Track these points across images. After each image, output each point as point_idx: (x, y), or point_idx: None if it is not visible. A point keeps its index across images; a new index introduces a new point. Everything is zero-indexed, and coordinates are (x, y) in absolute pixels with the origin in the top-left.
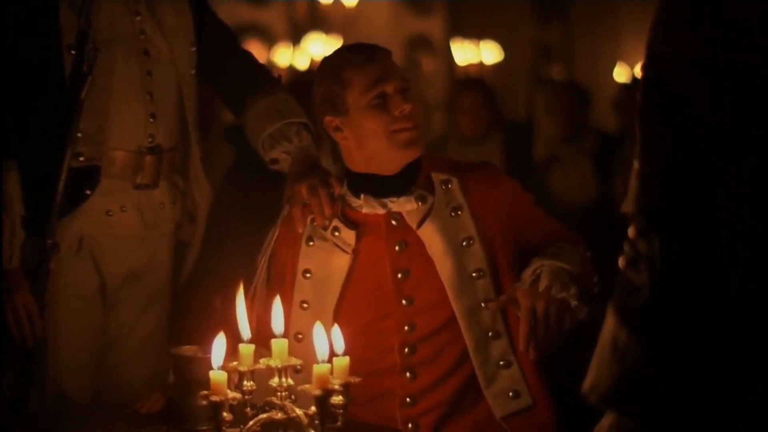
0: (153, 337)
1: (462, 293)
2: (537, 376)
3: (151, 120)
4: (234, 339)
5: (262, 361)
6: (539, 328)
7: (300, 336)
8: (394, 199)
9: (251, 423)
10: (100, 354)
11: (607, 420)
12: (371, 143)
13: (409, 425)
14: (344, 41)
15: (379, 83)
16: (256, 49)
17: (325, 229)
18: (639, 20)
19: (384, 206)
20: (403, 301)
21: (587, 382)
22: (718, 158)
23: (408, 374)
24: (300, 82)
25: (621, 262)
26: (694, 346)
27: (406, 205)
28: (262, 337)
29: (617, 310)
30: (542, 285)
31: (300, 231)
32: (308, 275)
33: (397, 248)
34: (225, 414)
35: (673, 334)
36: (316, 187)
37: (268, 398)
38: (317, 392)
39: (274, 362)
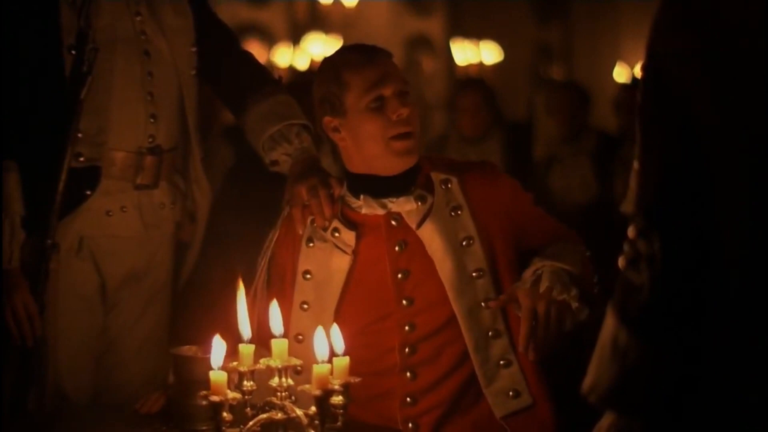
0: (153, 337)
1: (462, 293)
2: (537, 376)
3: (152, 120)
4: (234, 339)
5: (262, 361)
6: (539, 329)
7: (300, 337)
8: (394, 200)
9: (251, 423)
10: (100, 354)
11: (606, 420)
12: (368, 146)
13: (410, 425)
14: (344, 41)
15: (377, 86)
16: (256, 49)
17: (325, 230)
18: (639, 20)
19: (383, 207)
20: (404, 302)
21: (587, 382)
22: (718, 158)
23: (408, 374)
24: (300, 82)
25: (621, 262)
26: (694, 345)
27: (405, 205)
28: (263, 338)
29: (617, 310)
30: (543, 286)
31: (300, 232)
32: (308, 276)
33: (396, 248)
34: (225, 414)
35: (673, 334)
36: (315, 188)
37: (268, 398)
38: (317, 392)
39: (274, 362)
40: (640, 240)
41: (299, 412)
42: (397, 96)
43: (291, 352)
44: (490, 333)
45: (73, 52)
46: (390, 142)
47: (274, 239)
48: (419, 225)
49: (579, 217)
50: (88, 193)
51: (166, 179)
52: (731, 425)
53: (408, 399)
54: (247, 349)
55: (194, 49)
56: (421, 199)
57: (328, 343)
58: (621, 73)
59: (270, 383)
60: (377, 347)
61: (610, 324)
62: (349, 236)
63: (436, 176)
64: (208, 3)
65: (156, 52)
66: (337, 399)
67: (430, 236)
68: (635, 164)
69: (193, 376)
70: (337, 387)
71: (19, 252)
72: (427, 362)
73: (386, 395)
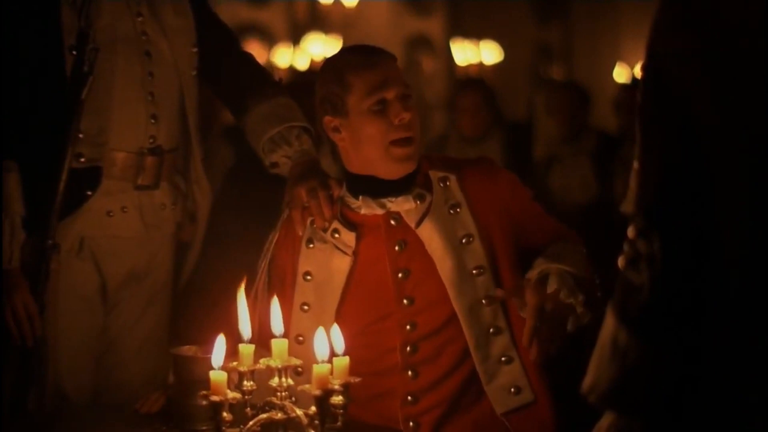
0: (153, 337)
1: (462, 290)
2: (538, 373)
3: (153, 121)
4: (235, 339)
5: (262, 361)
6: (545, 328)
7: (301, 338)
8: (393, 199)
9: (251, 423)
10: (100, 354)
11: (606, 420)
12: (368, 149)
13: (411, 424)
14: (344, 41)
15: (380, 89)
16: (256, 49)
17: (324, 231)
18: (639, 20)
19: (383, 206)
20: (404, 301)
21: (587, 382)
22: (718, 158)
23: (410, 373)
24: (300, 82)
25: (621, 262)
26: (694, 345)
27: (404, 205)
28: (264, 339)
29: (617, 310)
30: (551, 287)
31: (300, 233)
32: (309, 277)
33: (396, 248)
34: (225, 414)
35: (673, 334)
36: (315, 189)
37: (268, 398)
38: (317, 392)
39: (274, 362)
40: (639, 240)
41: (299, 412)
42: (399, 99)
43: (292, 353)
44: (491, 330)
45: (74, 52)
46: (390, 148)
47: (274, 241)
48: (418, 224)
49: (579, 217)
50: (89, 193)
51: (166, 180)
52: (731, 425)
53: (409, 398)
54: (247, 349)
55: (195, 50)
56: (420, 197)
57: (329, 344)
58: (621, 73)
59: (270, 383)
60: (378, 347)
61: (609, 324)
62: (349, 237)
63: (434, 174)
64: (209, 3)
65: (157, 52)
66: (337, 399)
67: (430, 235)
68: (635, 164)
69: (193, 376)
70: (337, 387)
71: (20, 252)
72: (428, 361)
73: (387, 394)
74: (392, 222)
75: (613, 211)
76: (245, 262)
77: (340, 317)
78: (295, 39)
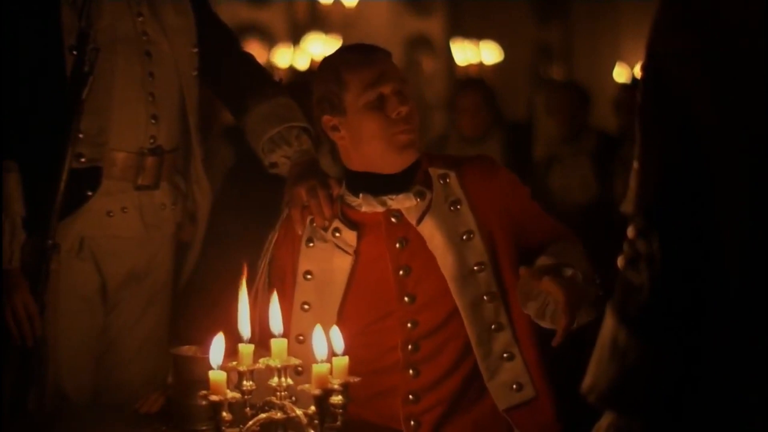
0: (153, 337)
1: (464, 287)
2: (540, 369)
3: (153, 121)
4: (234, 339)
5: (261, 360)
6: (573, 304)
7: (301, 337)
8: (393, 197)
9: (250, 423)
10: (100, 354)
11: (606, 420)
12: (368, 144)
13: (412, 423)
14: (344, 41)
15: (376, 84)
16: (256, 49)
17: (325, 230)
18: (639, 20)
19: (383, 204)
20: (405, 299)
21: (586, 382)
22: (718, 158)
23: (411, 371)
24: (300, 82)
25: (620, 262)
26: (693, 346)
27: (405, 202)
28: (265, 339)
29: (616, 309)
30: (567, 272)
31: (300, 233)
32: (309, 276)
33: (397, 245)
34: (224, 414)
35: (673, 334)
36: (314, 188)
37: (268, 398)
38: (317, 392)
39: (274, 362)
40: (639, 240)
41: (299, 411)
42: (396, 94)
43: (292, 353)
44: (492, 326)
45: (74, 52)
46: (392, 137)
47: (274, 241)
48: (419, 221)
49: (579, 217)
50: (89, 193)
51: (166, 180)
52: (731, 425)
53: (410, 396)
54: (246, 349)
55: (196, 50)
56: (420, 195)
57: (327, 343)
58: (621, 73)
59: (269, 383)
60: (379, 346)
61: (609, 324)
62: (350, 236)
63: (434, 171)
64: (209, 3)
65: (157, 52)
66: (336, 399)
67: (431, 232)
68: (635, 164)
69: (193, 376)
70: (336, 387)
71: (20, 252)
72: (429, 359)
73: (388, 393)
74: (393, 220)
75: (613, 211)
76: (245, 262)
77: (341, 316)
78: (295, 39)
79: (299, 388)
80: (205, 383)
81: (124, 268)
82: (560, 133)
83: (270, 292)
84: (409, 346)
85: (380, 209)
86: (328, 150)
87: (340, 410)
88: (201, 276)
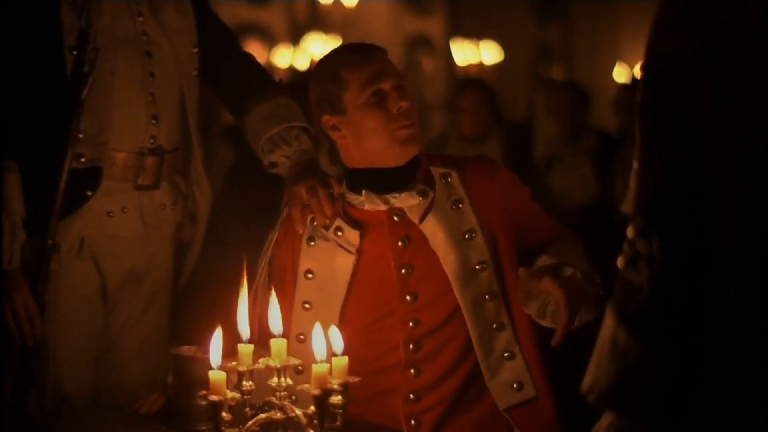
0: (153, 337)
1: (466, 286)
2: (540, 368)
3: (153, 121)
4: (234, 339)
5: (261, 360)
6: (573, 304)
7: (302, 337)
8: (396, 195)
9: (250, 423)
10: (100, 354)
11: (606, 420)
12: (371, 141)
13: (412, 422)
14: (344, 41)
15: (375, 81)
16: (256, 49)
17: (326, 229)
18: (639, 20)
19: (386, 202)
20: (408, 297)
21: (586, 382)
22: (718, 158)
23: (412, 371)
24: (300, 82)
25: (620, 262)
26: (693, 346)
27: (408, 201)
28: (265, 339)
29: (616, 309)
30: (567, 272)
31: (300, 232)
32: (310, 276)
33: (400, 244)
34: (224, 414)
35: (673, 334)
36: (315, 187)
37: (267, 398)
38: (316, 392)
39: (274, 362)
40: (639, 240)
41: (298, 411)
42: (395, 89)
43: (292, 352)
44: (494, 325)
45: (74, 52)
46: (395, 132)
47: (274, 240)
48: (422, 220)
49: (579, 217)
50: (89, 193)
51: (167, 180)
52: (731, 425)
53: (411, 396)
54: (246, 349)
55: (196, 50)
56: (423, 193)
57: (326, 342)
58: (621, 73)
59: (269, 383)
60: (380, 345)
61: (609, 324)
62: (353, 235)
63: (436, 171)
64: (209, 3)
65: (158, 52)
66: (336, 399)
67: (433, 230)
68: (635, 164)
69: (193, 376)
70: (336, 387)
71: (20, 252)
72: (430, 358)
73: (388, 393)
74: (395, 218)
75: (613, 211)
76: (245, 262)
77: (342, 316)
78: (295, 39)
79: (299, 387)
80: (205, 383)
81: (124, 268)
82: (560, 133)
83: (270, 292)
84: (411, 346)
85: (383, 207)
86: (326, 151)
87: (340, 410)
88: (201, 276)
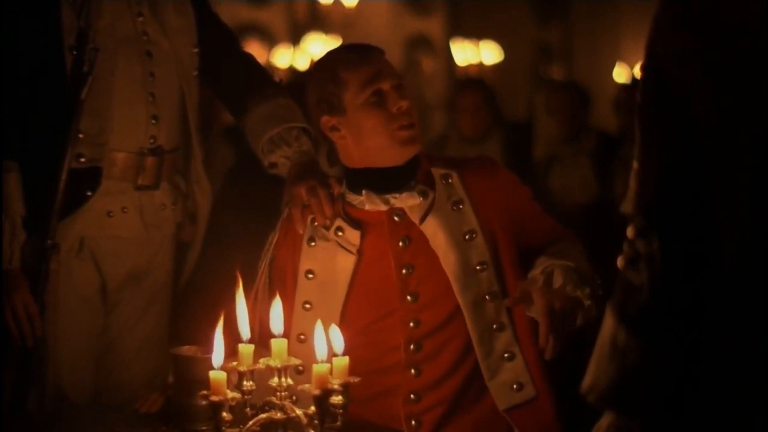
0: (153, 337)
1: (466, 286)
2: (540, 369)
3: (153, 121)
4: (234, 339)
5: (261, 360)
6: (556, 326)
7: (302, 337)
8: (397, 195)
9: (251, 423)
10: (100, 354)
11: (606, 420)
12: (371, 141)
13: (413, 422)
14: (344, 41)
15: (374, 81)
16: (256, 49)
17: (327, 229)
18: (639, 20)
19: (386, 202)
20: (408, 297)
21: (586, 382)
22: (718, 158)
23: (413, 371)
24: (300, 82)
25: (620, 262)
26: (693, 346)
27: (408, 201)
28: (264, 339)
29: (616, 309)
30: (557, 283)
31: (301, 232)
32: (311, 276)
33: (400, 244)
34: (224, 414)
35: (673, 334)
36: (315, 187)
37: (268, 398)
38: (317, 392)
39: (274, 362)
40: (639, 240)
41: (299, 411)
42: (394, 89)
43: (293, 352)
44: (494, 326)
45: (74, 52)
46: (395, 132)
47: (274, 241)
48: (422, 220)
49: (579, 217)
50: (89, 193)
51: (167, 180)
52: (731, 425)
53: (411, 396)
54: (246, 349)
55: (196, 50)
56: (423, 194)
57: (328, 342)
58: (621, 73)
59: (270, 383)
60: (380, 345)
61: (609, 324)
62: (353, 235)
63: (436, 171)
64: (209, 3)
65: (158, 52)
66: (336, 399)
67: (433, 231)
68: (635, 164)
69: (193, 376)
70: (336, 387)
71: (20, 252)
72: (431, 358)
73: (389, 393)
74: (395, 218)
75: (613, 211)
76: (246, 263)
77: (343, 316)
78: (295, 39)
79: (299, 388)
80: (206, 383)
81: (124, 269)
82: (560, 133)
83: (271, 293)
84: (411, 346)
85: (383, 207)
86: (325, 153)
87: (340, 410)
88: (201, 276)
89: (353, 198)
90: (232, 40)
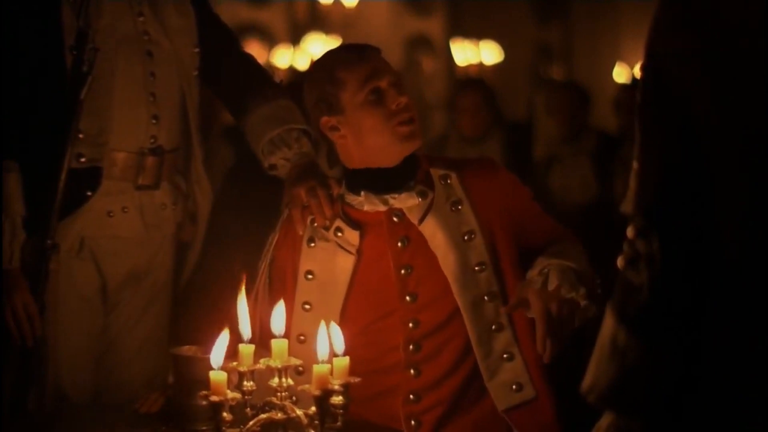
0: (153, 337)
1: (465, 287)
2: (540, 369)
3: (154, 121)
4: (235, 339)
5: (262, 361)
6: (554, 329)
7: (302, 337)
8: (396, 195)
9: (251, 423)
10: (100, 354)
11: (606, 420)
12: (372, 139)
13: (412, 422)
14: (344, 41)
15: (372, 79)
16: (256, 49)
17: (327, 229)
18: (639, 20)
19: (385, 203)
20: (407, 298)
21: (586, 382)
22: (718, 158)
23: (412, 371)
24: (300, 82)
25: (620, 262)
26: (693, 345)
27: (407, 201)
28: (265, 340)
29: (616, 309)
30: (552, 285)
31: (300, 233)
32: (310, 276)
33: (399, 244)
34: (225, 414)
35: (673, 334)
36: (314, 188)
37: (268, 398)
38: (317, 392)
39: (274, 362)
40: (639, 240)
41: (299, 412)
42: (392, 86)
43: (293, 353)
44: (493, 326)
45: (75, 52)
46: (395, 129)
47: (274, 242)
48: (421, 220)
49: (579, 217)
50: (89, 193)
51: (167, 180)
52: (731, 425)
53: (411, 396)
54: (247, 349)
55: (197, 50)
56: (422, 194)
57: (330, 342)
58: (621, 73)
59: (270, 383)
60: (380, 345)
61: (609, 324)
62: (353, 236)
63: (435, 172)
64: (209, 3)
65: (159, 52)
66: (337, 399)
67: (432, 231)
68: (635, 164)
69: (193, 376)
70: (336, 387)
71: (20, 252)
72: (430, 358)
73: (389, 393)
74: (394, 219)
75: (613, 211)
76: (245, 263)
77: (343, 316)
78: (295, 39)
79: (300, 388)
80: (206, 383)
81: (124, 268)
82: (560, 133)
83: (271, 294)
84: (411, 346)
85: (382, 208)
86: (325, 153)
87: (341, 411)
88: (201, 276)
89: (352, 199)
90: (233, 40)
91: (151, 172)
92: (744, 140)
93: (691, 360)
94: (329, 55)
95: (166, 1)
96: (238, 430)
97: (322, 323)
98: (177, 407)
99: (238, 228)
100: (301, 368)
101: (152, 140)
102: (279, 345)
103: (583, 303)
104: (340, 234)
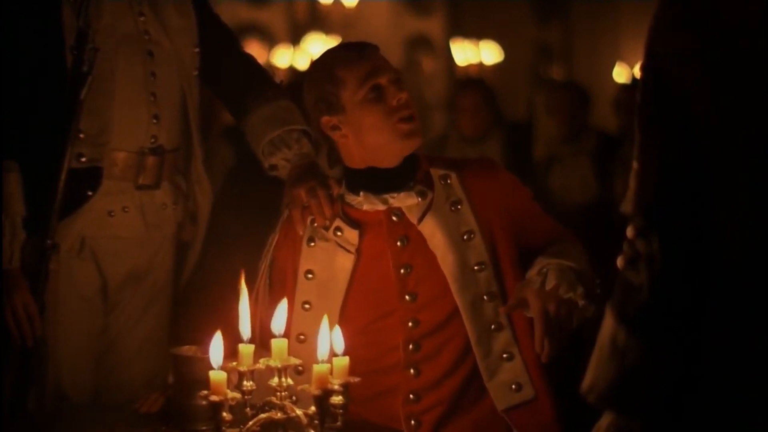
0: (153, 337)
1: (465, 286)
2: (539, 369)
3: (154, 121)
4: (235, 339)
5: (261, 361)
6: (552, 329)
7: (302, 337)
8: (395, 195)
9: (251, 423)
10: (100, 354)
11: (605, 420)
12: (373, 137)
13: (412, 422)
14: (344, 41)
15: (372, 76)
16: (256, 49)
17: (326, 229)
18: (639, 20)
19: (384, 202)
20: (407, 297)
21: (586, 382)
22: (718, 158)
23: (412, 371)
24: (300, 82)
25: (620, 262)
26: (693, 345)
27: (406, 201)
28: (265, 340)
29: (616, 309)
30: (550, 284)
31: (300, 233)
32: (310, 276)
33: (398, 244)
34: (224, 414)
35: (673, 334)
36: (314, 188)
37: (268, 398)
38: (317, 392)
39: (274, 362)
40: (639, 240)
41: (299, 411)
42: (392, 83)
43: (293, 353)
44: (492, 326)
45: (75, 52)
46: (396, 125)
47: (274, 242)
48: (420, 220)
49: (579, 217)
50: (90, 193)
51: (167, 180)
52: (731, 425)
53: (411, 396)
54: (246, 349)
55: (197, 50)
56: (422, 194)
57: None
58: (621, 73)
59: (270, 383)
60: (379, 345)
61: (609, 324)
62: (352, 235)
63: (435, 172)
64: (210, 3)
65: (159, 52)
66: (336, 399)
67: (431, 231)
68: (635, 164)
69: (193, 376)
70: (336, 387)
71: (20, 252)
72: (429, 358)
73: (389, 393)
74: (394, 218)
75: (613, 211)
76: (246, 263)
77: (343, 316)
78: (295, 39)
79: (299, 388)
80: (206, 383)
81: (124, 268)
82: (560, 133)
83: (271, 294)
84: (410, 346)
85: (381, 207)
86: (325, 154)
87: (341, 410)
88: (201, 276)
89: (352, 198)
90: (233, 40)
91: (151, 171)
92: (744, 140)
93: (691, 360)
94: (328, 55)
95: (167, 1)
96: (237, 430)
97: (323, 323)
98: (177, 407)
99: (238, 228)
100: (300, 368)
101: (153, 140)
102: (279, 345)
103: (581, 303)
104: (339, 233)
